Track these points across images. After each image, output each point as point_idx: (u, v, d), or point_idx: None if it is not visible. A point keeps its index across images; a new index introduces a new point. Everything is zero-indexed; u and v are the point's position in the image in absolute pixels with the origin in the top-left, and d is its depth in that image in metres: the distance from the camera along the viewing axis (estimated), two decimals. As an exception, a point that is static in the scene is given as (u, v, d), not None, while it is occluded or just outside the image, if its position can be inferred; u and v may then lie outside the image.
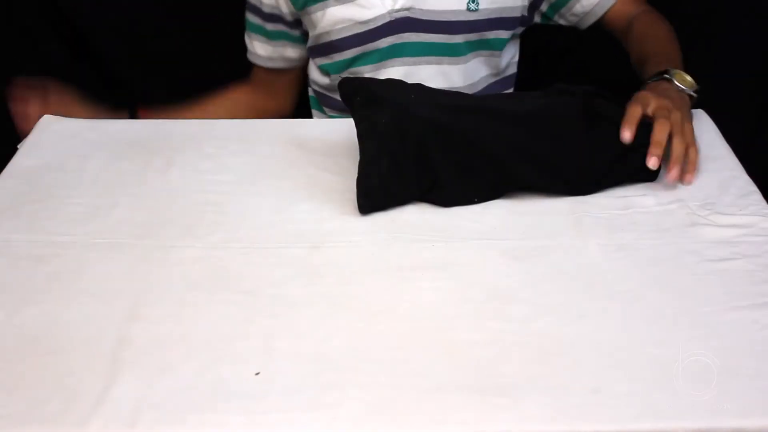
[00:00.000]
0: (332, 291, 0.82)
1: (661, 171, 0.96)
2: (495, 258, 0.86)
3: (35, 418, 0.69)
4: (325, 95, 1.27)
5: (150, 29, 1.43)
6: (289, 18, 1.21)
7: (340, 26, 1.17)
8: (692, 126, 0.98)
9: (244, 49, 1.28)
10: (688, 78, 1.03)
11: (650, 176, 0.96)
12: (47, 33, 1.48)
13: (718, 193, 0.95)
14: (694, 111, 1.10)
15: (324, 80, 1.25)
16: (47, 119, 1.12)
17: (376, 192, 0.92)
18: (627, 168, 0.95)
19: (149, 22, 1.43)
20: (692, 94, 1.03)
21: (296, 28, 1.23)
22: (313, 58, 1.25)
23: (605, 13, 1.19)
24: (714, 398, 0.69)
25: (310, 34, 1.21)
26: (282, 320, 0.79)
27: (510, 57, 1.26)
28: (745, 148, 1.06)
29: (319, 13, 1.16)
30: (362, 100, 0.94)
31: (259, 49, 1.26)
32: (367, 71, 1.19)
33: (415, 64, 1.18)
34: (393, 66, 1.19)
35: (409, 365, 0.73)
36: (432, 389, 0.71)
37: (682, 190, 0.96)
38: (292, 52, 1.26)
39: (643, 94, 0.98)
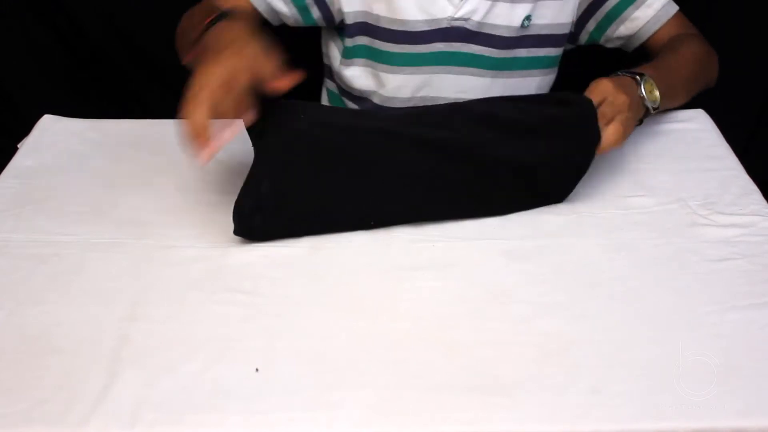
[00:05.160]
0: (332, 291, 0.83)
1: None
2: (495, 258, 0.86)
3: (35, 418, 0.69)
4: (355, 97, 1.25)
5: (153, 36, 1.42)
6: None
7: (398, 17, 1.14)
8: (628, 132, 0.96)
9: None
10: (656, 93, 0.99)
11: (559, 198, 0.95)
12: (51, 38, 1.48)
13: (719, 192, 0.96)
14: (694, 111, 1.11)
15: (360, 82, 1.21)
16: (47, 119, 1.12)
17: (251, 216, 0.87)
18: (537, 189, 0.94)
19: (152, 26, 1.42)
20: (650, 107, 0.99)
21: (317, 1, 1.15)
22: (351, 36, 1.18)
23: (651, 37, 1.15)
24: (714, 398, 0.69)
25: (354, 9, 1.15)
26: (282, 320, 0.79)
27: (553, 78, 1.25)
28: (745, 148, 1.06)
29: None
30: (257, 128, 0.89)
31: None
32: (407, 72, 1.17)
33: (458, 73, 1.17)
34: (435, 73, 1.17)
35: (409, 365, 0.74)
36: (432, 389, 0.71)
37: (682, 190, 0.96)
38: (281, 5, 1.13)
39: (604, 87, 0.95)
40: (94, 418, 0.69)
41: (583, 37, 1.19)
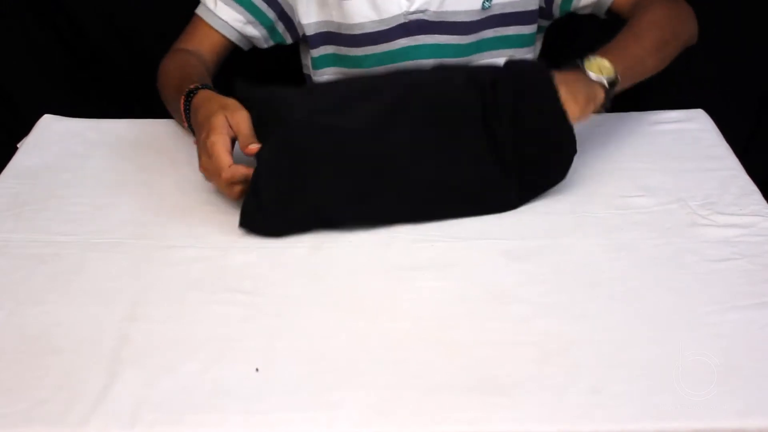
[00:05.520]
0: (332, 291, 0.82)
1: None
2: (495, 258, 0.86)
3: (35, 418, 0.69)
4: None
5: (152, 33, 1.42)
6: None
7: (353, 22, 1.14)
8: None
9: (246, 55, 1.24)
10: (606, 65, 0.96)
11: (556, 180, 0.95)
12: (51, 38, 1.48)
13: (719, 192, 0.95)
14: (694, 111, 1.11)
15: None
16: (47, 119, 1.13)
17: (256, 217, 0.89)
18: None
19: (151, 26, 1.43)
20: (604, 83, 0.95)
21: (281, 17, 1.17)
22: (316, 46, 1.20)
23: (613, 1, 1.14)
24: (714, 398, 0.69)
25: (313, 20, 1.17)
26: (282, 320, 0.79)
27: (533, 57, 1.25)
28: (745, 148, 1.05)
29: (333, 0, 1.14)
30: (257, 116, 0.91)
31: (223, 12, 1.13)
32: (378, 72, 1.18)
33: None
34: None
35: (409, 365, 0.73)
36: (432, 389, 0.71)
37: (682, 190, 0.96)
38: (252, 29, 1.16)
39: None
40: (94, 418, 0.68)
41: (556, 11, 1.18)
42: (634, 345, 0.75)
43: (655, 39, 1.05)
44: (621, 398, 0.70)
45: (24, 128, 1.12)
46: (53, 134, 1.10)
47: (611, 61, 0.96)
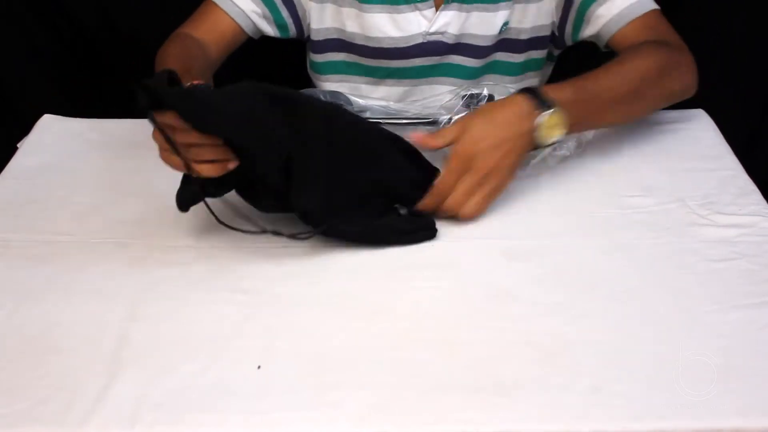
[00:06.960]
0: (332, 291, 0.83)
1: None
2: (495, 258, 0.86)
3: (35, 418, 0.69)
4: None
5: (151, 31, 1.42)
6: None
7: (371, 35, 1.14)
8: (495, 196, 0.91)
9: (246, 53, 1.25)
10: (557, 131, 0.90)
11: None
12: (48, 35, 1.48)
13: (718, 192, 0.96)
14: (694, 111, 1.11)
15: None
16: (47, 119, 1.13)
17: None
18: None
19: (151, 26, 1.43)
20: (540, 145, 0.91)
21: (294, 19, 1.18)
22: (321, 52, 1.20)
23: (614, 36, 1.08)
24: (714, 398, 0.69)
25: (324, 27, 1.17)
26: (282, 320, 0.79)
27: (540, 81, 1.25)
28: (745, 148, 1.05)
29: (350, 10, 1.13)
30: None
31: (241, 1, 1.13)
32: (389, 84, 1.18)
33: (441, 83, 1.17)
34: (416, 85, 1.18)
35: (409, 365, 0.74)
36: (432, 389, 0.71)
37: (682, 190, 0.96)
38: (265, 25, 1.16)
39: (468, 149, 0.88)
40: (94, 418, 0.69)
41: (567, 40, 1.18)
42: (634, 345, 0.75)
43: (637, 90, 0.98)
44: (621, 398, 0.70)
45: (24, 128, 1.12)
46: (53, 134, 1.10)
47: (566, 114, 0.90)
